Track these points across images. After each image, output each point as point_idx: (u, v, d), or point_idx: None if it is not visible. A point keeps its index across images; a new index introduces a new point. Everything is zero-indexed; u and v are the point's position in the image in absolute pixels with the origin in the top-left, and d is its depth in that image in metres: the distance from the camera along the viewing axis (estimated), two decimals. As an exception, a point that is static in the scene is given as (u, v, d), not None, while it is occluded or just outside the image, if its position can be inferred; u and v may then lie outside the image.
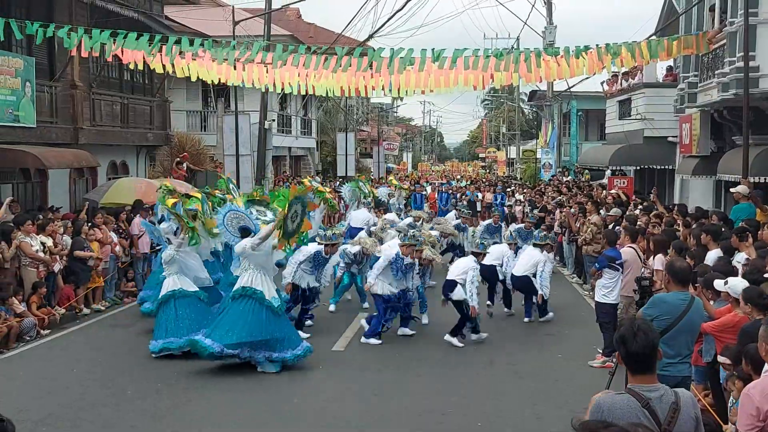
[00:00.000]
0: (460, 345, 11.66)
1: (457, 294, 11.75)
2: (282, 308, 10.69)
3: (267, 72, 14.94)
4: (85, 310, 14.37)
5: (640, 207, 16.58)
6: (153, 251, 15.76)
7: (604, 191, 22.88)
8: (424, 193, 28.81)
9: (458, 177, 55.96)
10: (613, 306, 10.65)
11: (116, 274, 15.65)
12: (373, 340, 11.83)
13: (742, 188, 12.85)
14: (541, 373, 10.32)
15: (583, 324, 12.86)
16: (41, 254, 13.21)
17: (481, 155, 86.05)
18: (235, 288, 10.41)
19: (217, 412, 8.69)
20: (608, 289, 10.53)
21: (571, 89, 35.38)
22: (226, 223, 11.30)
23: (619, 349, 3.88)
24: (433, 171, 63.26)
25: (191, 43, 14.64)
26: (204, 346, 9.89)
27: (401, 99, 60.19)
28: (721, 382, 7.33)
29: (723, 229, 10.93)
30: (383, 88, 15.87)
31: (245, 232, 10.82)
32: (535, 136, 53.92)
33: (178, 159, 23.86)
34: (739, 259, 9.39)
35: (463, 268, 11.95)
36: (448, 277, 12.05)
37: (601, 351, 10.76)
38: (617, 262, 10.49)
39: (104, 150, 20.86)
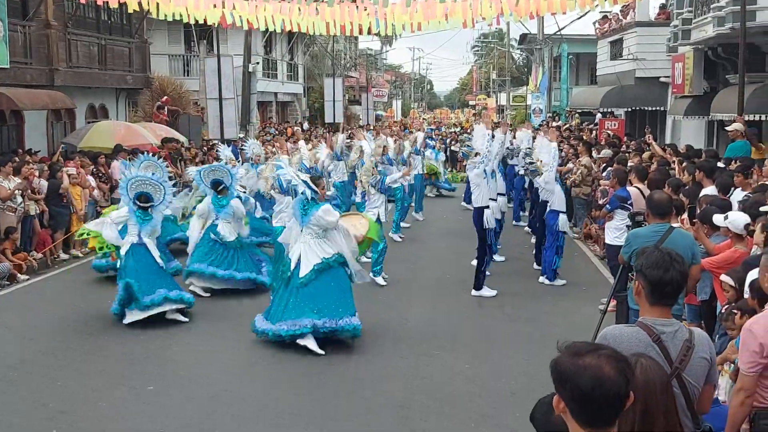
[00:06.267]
0: (494, 292, 11.00)
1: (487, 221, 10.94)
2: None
3: (248, 6, 14.33)
4: (63, 256, 14.01)
5: (631, 148, 16.22)
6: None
7: (594, 133, 22.53)
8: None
9: (448, 123, 55.41)
10: None
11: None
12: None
13: (737, 125, 12.51)
14: (533, 317, 10.06)
15: (575, 268, 12.60)
16: (18, 198, 12.80)
17: (471, 102, 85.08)
18: (329, 256, 8.63)
19: (197, 357, 8.41)
20: (620, 231, 9.94)
21: (562, 32, 34.78)
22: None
23: (647, 275, 3.47)
24: (422, 118, 62.55)
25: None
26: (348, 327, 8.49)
27: (390, 44, 59.04)
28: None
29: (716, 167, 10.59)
30: (370, 27, 15.31)
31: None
32: (525, 83, 53.16)
33: (159, 103, 23.25)
34: (737, 196, 9.07)
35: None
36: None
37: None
38: (628, 202, 10.07)
39: (82, 92, 20.28)
